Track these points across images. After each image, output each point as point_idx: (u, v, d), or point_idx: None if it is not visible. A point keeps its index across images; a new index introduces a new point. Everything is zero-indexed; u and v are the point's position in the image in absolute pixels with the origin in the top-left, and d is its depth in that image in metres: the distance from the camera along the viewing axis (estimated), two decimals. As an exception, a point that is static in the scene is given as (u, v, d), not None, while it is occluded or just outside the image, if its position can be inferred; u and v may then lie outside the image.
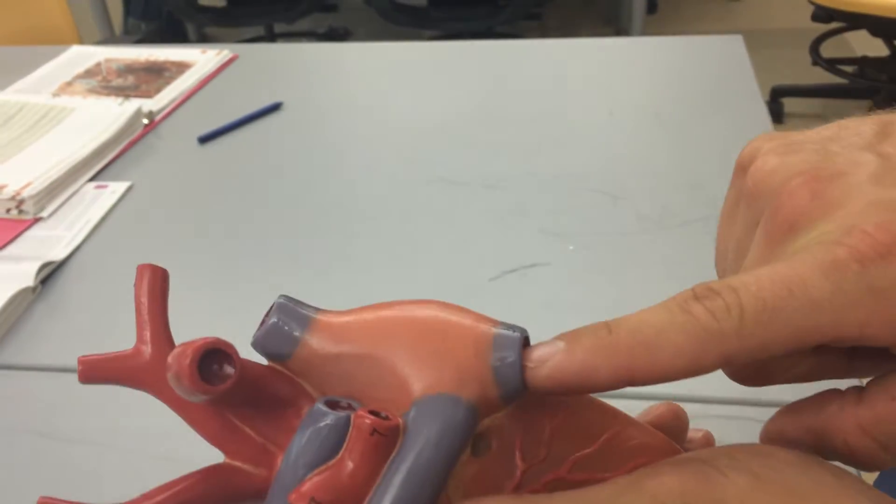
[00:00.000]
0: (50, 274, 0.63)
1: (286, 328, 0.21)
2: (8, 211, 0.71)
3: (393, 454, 0.18)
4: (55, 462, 0.47)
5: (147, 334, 0.22)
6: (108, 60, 1.05)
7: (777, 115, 2.54)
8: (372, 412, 0.19)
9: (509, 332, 0.20)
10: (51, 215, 0.71)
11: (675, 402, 0.29)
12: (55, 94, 0.95)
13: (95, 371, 0.23)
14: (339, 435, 0.19)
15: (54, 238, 0.68)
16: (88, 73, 1.01)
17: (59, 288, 0.62)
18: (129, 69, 1.01)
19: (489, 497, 0.19)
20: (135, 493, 0.22)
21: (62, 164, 0.75)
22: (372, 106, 0.89)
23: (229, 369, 0.20)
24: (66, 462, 0.47)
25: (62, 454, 0.48)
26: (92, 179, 0.77)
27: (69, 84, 0.98)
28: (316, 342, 0.21)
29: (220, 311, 0.57)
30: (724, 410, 0.44)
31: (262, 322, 0.22)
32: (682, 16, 3.38)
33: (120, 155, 0.82)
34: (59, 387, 0.53)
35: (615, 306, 0.57)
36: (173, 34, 2.92)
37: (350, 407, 0.21)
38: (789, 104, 2.55)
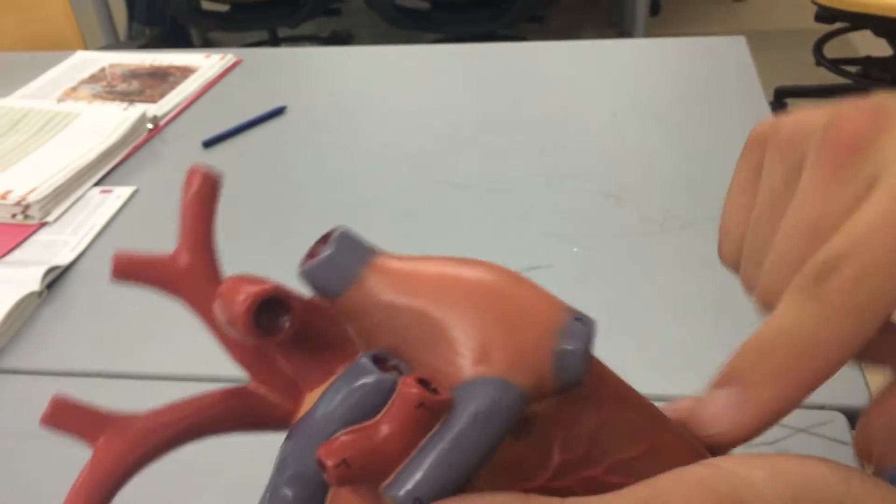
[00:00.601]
0: (56, 278, 0.64)
1: (343, 263, 0.19)
2: (13, 216, 0.71)
3: (434, 429, 0.17)
4: (61, 466, 0.48)
5: (187, 241, 0.21)
6: (112, 66, 1.05)
7: (781, 116, 2.54)
8: (420, 381, 0.17)
9: (579, 322, 0.19)
10: (56, 220, 0.71)
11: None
12: (60, 100, 0.96)
13: (129, 270, 0.21)
14: (380, 396, 0.18)
15: (60, 243, 0.68)
16: (93, 79, 1.02)
17: (65, 292, 0.63)
18: (134, 74, 1.02)
19: (505, 494, 0.18)
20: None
21: (67, 169, 0.76)
22: (375, 109, 0.89)
23: (285, 320, 0.19)
24: (72, 467, 0.47)
25: (68, 459, 0.48)
26: (97, 184, 0.77)
27: (74, 89, 0.99)
28: (372, 284, 0.19)
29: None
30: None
31: (312, 252, 0.20)
32: (685, 17, 3.38)
33: (125, 160, 0.82)
34: (64, 391, 0.53)
35: (619, 308, 0.58)
36: (177, 39, 2.93)
37: (397, 368, 0.19)
38: (793, 105, 2.55)
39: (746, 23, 3.23)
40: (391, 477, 0.17)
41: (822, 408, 0.47)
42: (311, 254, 0.20)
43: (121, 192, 0.75)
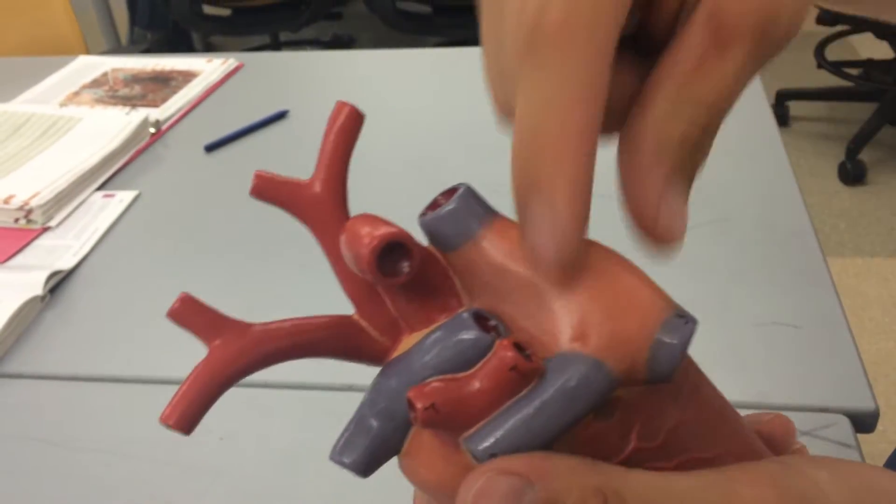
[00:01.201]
0: (58, 283, 0.64)
1: (463, 219, 0.20)
2: (16, 221, 0.71)
3: (522, 393, 0.18)
4: (64, 470, 0.48)
5: (322, 172, 0.22)
6: (114, 70, 1.05)
7: (782, 119, 2.54)
8: (516, 345, 0.18)
9: (682, 319, 0.19)
10: (59, 225, 0.72)
11: (785, 415, 0.26)
12: (62, 105, 0.96)
13: (267, 189, 0.22)
14: (476, 353, 0.19)
15: (62, 247, 0.68)
16: (95, 83, 1.02)
17: (68, 297, 0.63)
18: (136, 79, 1.02)
19: (577, 458, 0.18)
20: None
21: (70, 174, 0.76)
22: (377, 113, 0.89)
23: (405, 265, 0.20)
24: (74, 470, 0.47)
25: (71, 462, 0.48)
26: (99, 189, 0.78)
27: (76, 94, 0.99)
28: (487, 244, 0.20)
29: (228, 319, 0.58)
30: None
31: (434, 203, 0.21)
32: (687, 20, 3.38)
33: (127, 164, 0.82)
34: (67, 395, 0.53)
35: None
36: (179, 43, 2.93)
37: (496, 329, 0.19)
38: (794, 107, 2.55)
39: (748, 25, 3.23)
40: (473, 429, 0.18)
41: (825, 410, 0.47)
42: (433, 205, 0.21)
43: (123, 197, 0.76)
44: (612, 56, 0.17)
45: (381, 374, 0.20)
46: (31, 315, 0.60)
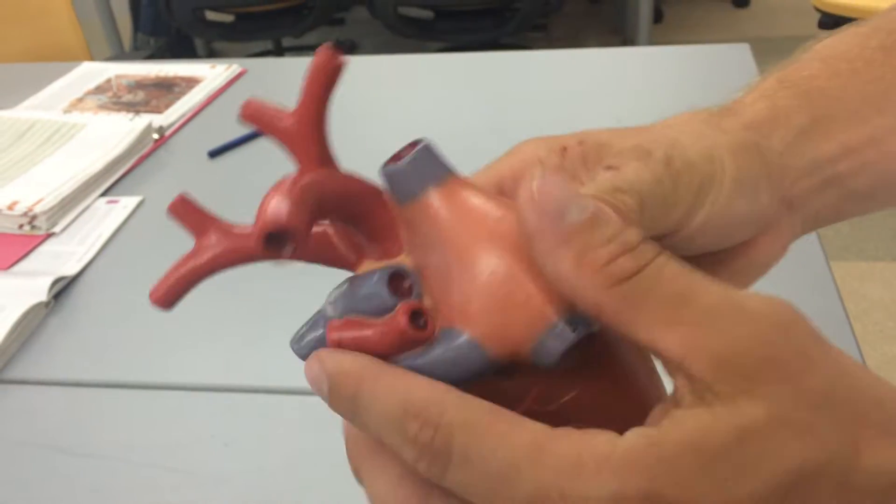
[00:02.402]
0: (63, 289, 0.64)
1: (414, 177, 0.22)
2: (21, 227, 0.72)
3: (413, 351, 0.21)
4: (68, 476, 0.48)
5: (300, 107, 0.23)
6: (118, 76, 1.06)
7: (785, 123, 2.53)
8: (415, 312, 0.21)
9: (570, 327, 0.20)
10: (63, 230, 0.72)
11: None
12: (66, 111, 0.96)
13: (253, 114, 0.24)
14: (384, 309, 0.22)
15: (67, 253, 0.68)
16: (99, 90, 1.02)
17: (72, 303, 0.63)
18: (140, 85, 1.02)
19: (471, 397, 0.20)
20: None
21: (74, 180, 0.76)
22: (380, 118, 0.89)
23: (288, 248, 0.22)
24: (79, 476, 0.48)
25: (76, 468, 0.48)
26: (103, 195, 0.78)
27: (80, 100, 0.99)
28: (431, 206, 0.22)
29: (229, 324, 0.58)
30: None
31: (398, 154, 0.23)
32: (689, 25, 3.38)
33: (131, 170, 0.82)
34: (71, 401, 0.53)
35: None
36: (181, 49, 2.94)
37: (410, 290, 0.22)
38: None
39: (750, 30, 3.23)
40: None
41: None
42: (397, 156, 0.23)
43: (127, 203, 0.76)
44: None
45: (338, 288, 0.23)
46: (35, 321, 0.60)
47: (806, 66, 0.29)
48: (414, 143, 0.23)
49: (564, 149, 0.27)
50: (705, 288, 0.18)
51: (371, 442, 0.22)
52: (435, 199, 0.22)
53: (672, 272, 0.19)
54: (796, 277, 0.59)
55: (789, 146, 0.27)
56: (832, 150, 0.27)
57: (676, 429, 0.17)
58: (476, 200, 0.22)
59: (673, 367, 0.18)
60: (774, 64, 0.31)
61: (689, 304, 0.18)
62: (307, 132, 0.23)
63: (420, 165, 0.22)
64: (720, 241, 0.26)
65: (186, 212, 0.24)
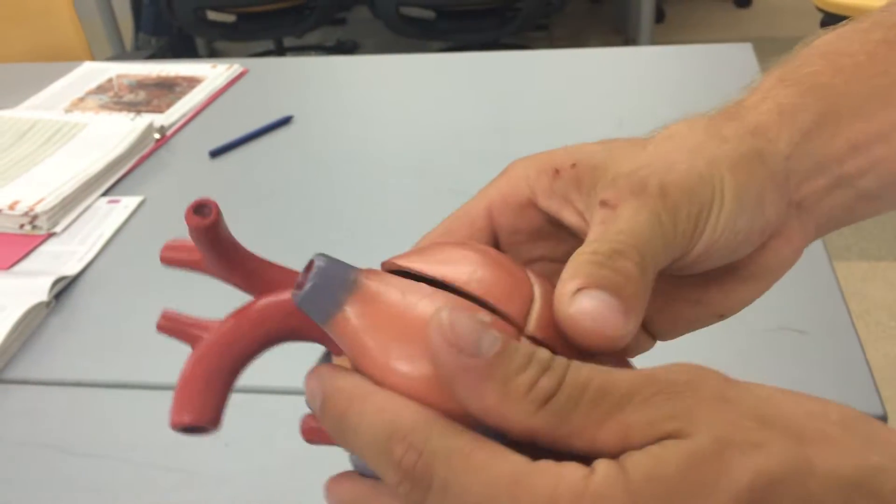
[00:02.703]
0: (64, 288, 0.64)
1: (324, 296, 0.22)
2: (21, 226, 0.71)
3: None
4: (69, 476, 0.48)
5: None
6: (119, 76, 1.06)
7: (787, 123, 2.53)
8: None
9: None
10: (64, 230, 0.72)
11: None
12: (67, 110, 0.96)
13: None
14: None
15: (67, 253, 0.68)
16: (100, 89, 1.02)
17: (73, 302, 0.63)
18: (141, 85, 1.02)
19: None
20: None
21: (75, 180, 0.76)
22: (381, 118, 0.89)
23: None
24: (80, 476, 0.47)
25: (76, 468, 0.48)
26: (105, 194, 0.78)
27: (81, 100, 0.99)
28: (351, 319, 0.22)
29: (233, 324, 0.57)
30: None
31: (300, 281, 0.23)
32: (690, 25, 3.38)
33: (132, 170, 0.82)
34: (72, 401, 0.53)
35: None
36: (183, 49, 2.94)
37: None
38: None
39: (752, 30, 3.23)
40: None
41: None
42: (300, 283, 0.23)
43: (128, 202, 0.76)
44: None
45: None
46: (36, 321, 0.60)
47: (807, 63, 0.29)
48: (309, 265, 0.23)
49: (556, 171, 0.27)
50: (618, 375, 0.20)
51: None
52: (350, 313, 0.22)
53: (586, 374, 0.19)
54: (800, 278, 0.59)
55: (796, 147, 0.27)
56: (839, 148, 0.27)
57: (638, 463, 0.18)
58: (391, 297, 0.22)
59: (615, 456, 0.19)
60: (776, 63, 0.31)
61: (610, 395, 0.19)
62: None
63: (322, 286, 0.22)
64: (727, 257, 0.26)
65: (175, 327, 0.26)
